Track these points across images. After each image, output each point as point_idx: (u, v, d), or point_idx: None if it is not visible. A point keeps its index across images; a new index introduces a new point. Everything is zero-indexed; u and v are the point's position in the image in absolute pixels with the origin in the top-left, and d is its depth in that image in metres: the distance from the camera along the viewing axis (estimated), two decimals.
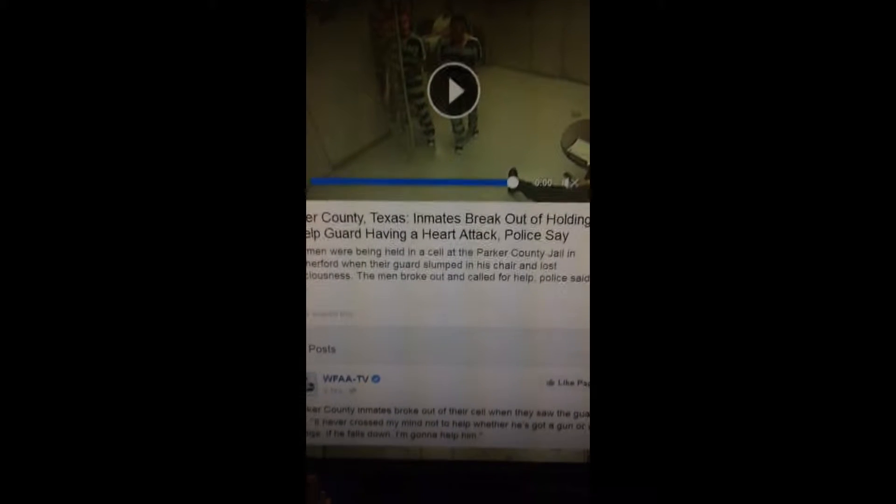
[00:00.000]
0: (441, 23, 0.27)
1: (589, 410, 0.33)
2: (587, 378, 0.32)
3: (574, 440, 0.33)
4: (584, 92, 0.28)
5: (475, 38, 0.28)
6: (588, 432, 0.33)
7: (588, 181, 0.29)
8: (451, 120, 0.29)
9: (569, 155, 0.29)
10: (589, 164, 0.29)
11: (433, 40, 0.28)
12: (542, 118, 0.28)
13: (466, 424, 0.33)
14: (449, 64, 0.28)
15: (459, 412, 0.33)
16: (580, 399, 0.32)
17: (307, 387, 0.33)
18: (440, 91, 0.28)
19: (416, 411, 0.33)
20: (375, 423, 0.33)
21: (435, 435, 0.33)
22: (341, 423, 0.34)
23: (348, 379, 0.33)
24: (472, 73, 0.28)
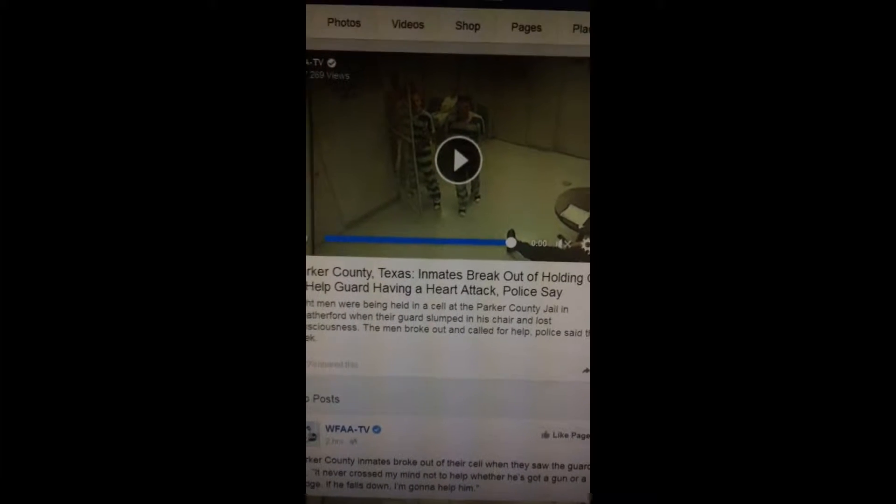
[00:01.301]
0: (449, 102, 0.31)
1: (584, 463, 0.34)
2: (583, 430, 0.33)
3: (570, 493, 0.34)
4: (575, 163, 0.31)
5: (479, 116, 0.31)
6: (585, 485, 0.33)
7: (580, 242, 0.32)
8: (456, 186, 0.32)
9: (562, 219, 0.32)
10: (580, 227, 0.32)
11: (441, 116, 0.31)
12: (537, 186, 0.31)
13: (464, 476, 0.34)
14: (455, 137, 0.31)
15: (457, 464, 0.34)
16: (576, 451, 0.33)
17: (310, 437, 0.34)
18: (446, 160, 0.32)
19: (414, 463, 0.34)
20: (374, 474, 0.34)
21: (433, 487, 0.34)
22: (341, 473, 0.34)
23: (350, 429, 0.34)
24: (476, 145, 0.32)
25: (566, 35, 0.30)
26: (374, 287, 0.32)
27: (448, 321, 0.32)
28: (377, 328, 0.33)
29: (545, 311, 0.32)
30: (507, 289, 0.32)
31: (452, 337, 0.33)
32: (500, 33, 0.30)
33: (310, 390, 0.33)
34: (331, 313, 0.33)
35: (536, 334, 0.32)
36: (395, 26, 0.30)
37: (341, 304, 0.33)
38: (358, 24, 0.30)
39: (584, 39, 0.30)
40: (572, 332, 0.32)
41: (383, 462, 0.34)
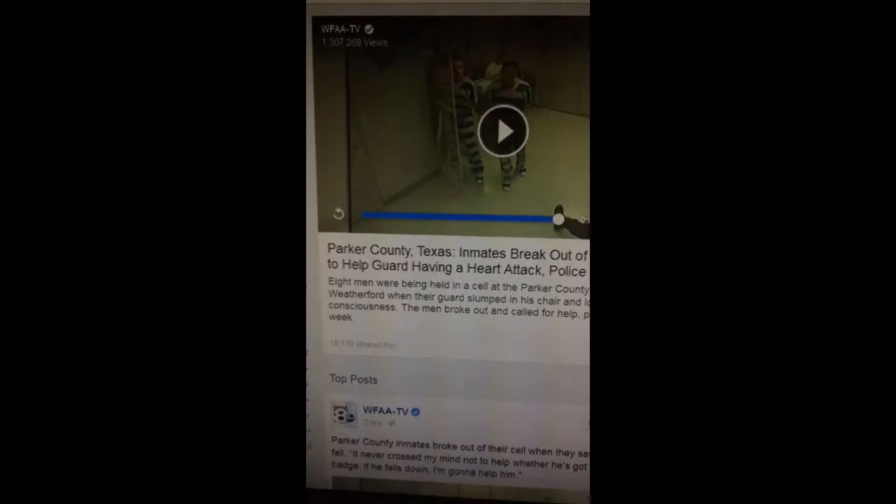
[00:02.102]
0: (494, 68, 0.29)
1: None
2: None
3: None
4: None
5: (525, 83, 0.29)
6: None
7: None
8: (500, 159, 0.30)
9: None
10: None
11: (485, 84, 0.29)
12: (588, 158, 0.29)
13: (506, 463, 0.33)
14: (499, 106, 0.30)
15: (499, 450, 0.33)
16: None
17: (347, 418, 0.33)
18: (490, 131, 0.30)
19: (455, 447, 0.33)
20: (413, 457, 0.33)
21: (474, 473, 0.33)
22: (379, 455, 0.34)
23: (388, 411, 0.33)
24: (522, 114, 0.30)
25: None
26: (414, 266, 0.31)
27: (490, 302, 0.31)
28: (416, 308, 0.31)
29: None
30: (553, 268, 0.30)
31: (495, 318, 0.31)
32: None
33: (347, 371, 0.33)
34: (368, 292, 0.32)
35: (585, 317, 0.31)
36: None
37: (379, 283, 0.31)
38: None
39: None
40: None
41: (422, 445, 0.33)
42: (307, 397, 0.33)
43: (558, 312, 0.31)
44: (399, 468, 0.33)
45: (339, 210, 0.31)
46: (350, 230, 0.31)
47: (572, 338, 0.31)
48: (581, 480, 0.32)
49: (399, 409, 0.33)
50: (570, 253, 0.30)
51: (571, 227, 0.30)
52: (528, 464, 0.33)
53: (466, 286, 0.31)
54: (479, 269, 0.31)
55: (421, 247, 0.31)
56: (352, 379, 0.33)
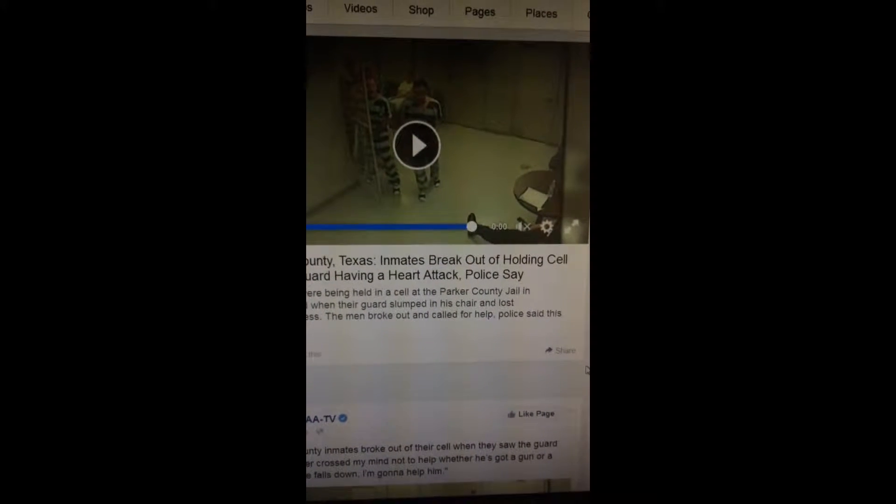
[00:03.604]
0: (405, 86, 0.31)
1: (550, 440, 0.34)
2: (548, 409, 0.34)
3: (537, 470, 0.34)
4: (533, 147, 0.31)
5: (435, 100, 0.31)
6: (551, 462, 0.34)
7: (539, 225, 0.32)
8: (415, 171, 0.32)
9: (521, 202, 0.32)
10: (539, 209, 0.32)
11: (398, 101, 0.31)
12: (496, 170, 0.32)
13: (432, 460, 0.34)
14: (412, 122, 0.31)
15: (425, 448, 0.34)
16: (541, 429, 0.34)
17: None
18: (404, 145, 0.32)
19: (382, 449, 0.34)
20: (342, 462, 0.34)
21: (402, 472, 0.34)
22: (308, 464, 0.34)
23: (315, 419, 0.34)
24: (433, 130, 0.32)
25: (521, 19, 0.30)
26: (336, 275, 0.32)
27: (412, 307, 0.33)
28: (340, 316, 0.32)
29: (507, 294, 0.33)
30: (469, 272, 0.32)
31: (416, 322, 0.33)
32: (454, 17, 0.30)
33: None
34: None
35: (500, 316, 0.33)
36: (348, 10, 0.30)
37: None
38: (310, 7, 0.30)
39: (539, 24, 0.30)
40: (534, 312, 0.33)
41: (351, 450, 0.34)
42: None
43: (475, 313, 0.33)
44: (329, 475, 0.34)
45: None
46: None
47: (489, 336, 0.33)
48: (503, 471, 0.34)
49: (326, 416, 0.34)
50: (483, 257, 0.32)
51: (483, 234, 0.32)
52: (453, 459, 0.34)
53: (388, 293, 0.32)
54: (400, 275, 0.32)
55: (342, 256, 0.32)
56: None
